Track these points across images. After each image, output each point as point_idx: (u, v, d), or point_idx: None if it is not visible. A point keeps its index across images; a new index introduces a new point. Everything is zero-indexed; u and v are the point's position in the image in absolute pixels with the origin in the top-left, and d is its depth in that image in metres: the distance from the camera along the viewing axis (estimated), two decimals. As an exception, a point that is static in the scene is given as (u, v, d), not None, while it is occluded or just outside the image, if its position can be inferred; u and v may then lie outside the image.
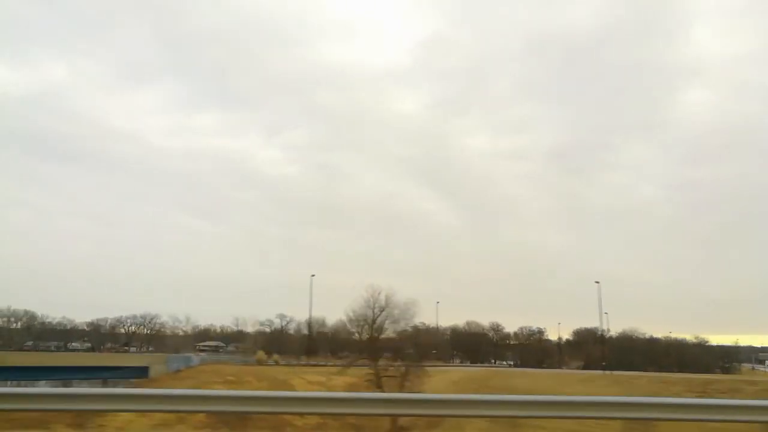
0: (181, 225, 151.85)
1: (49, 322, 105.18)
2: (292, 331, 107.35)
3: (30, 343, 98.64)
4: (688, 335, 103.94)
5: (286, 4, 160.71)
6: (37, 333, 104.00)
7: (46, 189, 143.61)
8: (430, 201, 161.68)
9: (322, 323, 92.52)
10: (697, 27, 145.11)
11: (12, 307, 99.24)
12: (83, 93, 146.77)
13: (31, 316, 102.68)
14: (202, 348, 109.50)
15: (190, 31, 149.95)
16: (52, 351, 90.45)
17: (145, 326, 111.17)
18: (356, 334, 49.29)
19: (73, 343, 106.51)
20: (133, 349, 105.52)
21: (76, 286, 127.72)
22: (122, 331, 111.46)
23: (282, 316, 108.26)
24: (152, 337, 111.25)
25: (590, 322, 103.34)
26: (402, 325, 44.06)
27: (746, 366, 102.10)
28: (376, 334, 43.07)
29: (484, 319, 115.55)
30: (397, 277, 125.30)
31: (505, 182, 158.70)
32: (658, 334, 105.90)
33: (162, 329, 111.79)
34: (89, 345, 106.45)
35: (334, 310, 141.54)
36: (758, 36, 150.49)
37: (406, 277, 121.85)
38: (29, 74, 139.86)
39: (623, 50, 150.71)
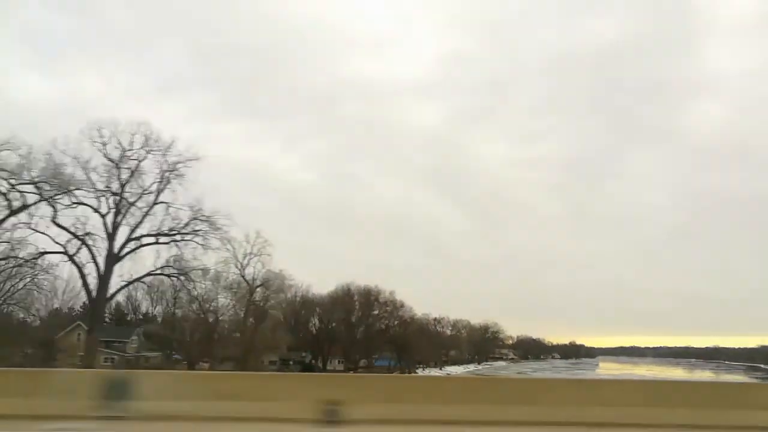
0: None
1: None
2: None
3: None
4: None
5: (315, 20, 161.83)
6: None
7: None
8: (444, 207, 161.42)
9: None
10: (710, 44, 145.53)
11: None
12: (112, 103, 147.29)
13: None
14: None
15: (219, 44, 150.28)
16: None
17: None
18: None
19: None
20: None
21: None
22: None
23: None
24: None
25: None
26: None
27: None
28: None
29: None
30: (405, 280, 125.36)
31: (519, 190, 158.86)
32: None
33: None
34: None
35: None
36: (765, 52, 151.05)
37: (414, 280, 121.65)
38: (63, 85, 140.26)
39: (638, 66, 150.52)
